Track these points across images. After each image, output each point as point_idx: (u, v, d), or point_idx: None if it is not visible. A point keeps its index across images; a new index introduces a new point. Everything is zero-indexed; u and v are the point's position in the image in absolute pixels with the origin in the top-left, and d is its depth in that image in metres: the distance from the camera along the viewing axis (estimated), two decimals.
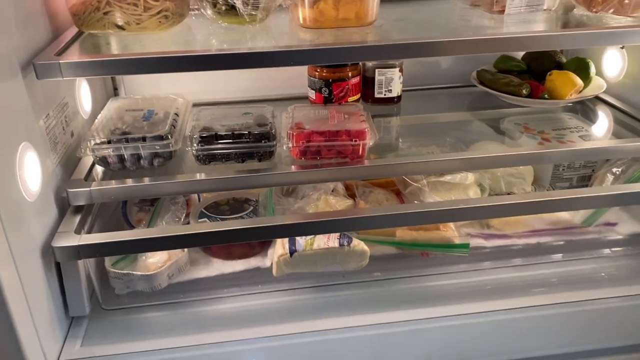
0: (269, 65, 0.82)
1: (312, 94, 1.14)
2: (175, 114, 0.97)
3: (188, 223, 0.98)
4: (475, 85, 1.20)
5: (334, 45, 0.82)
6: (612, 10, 0.92)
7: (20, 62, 0.76)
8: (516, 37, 0.84)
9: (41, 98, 0.82)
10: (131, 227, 1.01)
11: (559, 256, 1.02)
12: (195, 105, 1.09)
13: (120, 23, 0.87)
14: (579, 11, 0.98)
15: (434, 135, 1.13)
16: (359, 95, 1.15)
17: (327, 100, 1.12)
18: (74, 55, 0.81)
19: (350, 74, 1.11)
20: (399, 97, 1.16)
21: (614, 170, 1.07)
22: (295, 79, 1.16)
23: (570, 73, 1.10)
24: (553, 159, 1.00)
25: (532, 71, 1.18)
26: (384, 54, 0.86)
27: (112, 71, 0.79)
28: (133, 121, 0.95)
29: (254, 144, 0.91)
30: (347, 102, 1.12)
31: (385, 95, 1.15)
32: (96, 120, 0.95)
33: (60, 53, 0.80)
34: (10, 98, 0.73)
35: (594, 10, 0.93)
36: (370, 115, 1.02)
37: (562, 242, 1.04)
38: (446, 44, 0.82)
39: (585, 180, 1.12)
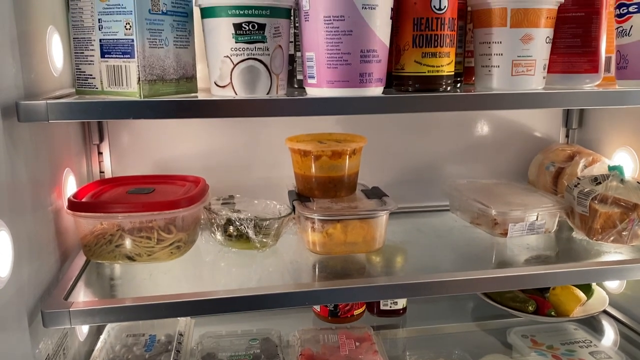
0: (272, 307, 0.81)
1: (316, 306, 1.12)
2: (179, 342, 0.93)
3: None
4: None
5: (341, 286, 0.82)
6: (612, 239, 0.96)
7: (28, 307, 0.73)
8: (529, 275, 0.85)
9: (44, 337, 0.78)
10: None
11: None
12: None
13: (131, 255, 0.87)
14: (579, 235, 1.02)
15: (441, 347, 1.10)
16: (364, 307, 1.14)
17: (333, 314, 1.10)
18: (82, 298, 0.79)
19: None
20: (404, 309, 1.15)
21: None
22: None
23: (573, 287, 1.11)
24: None
25: None
26: (392, 294, 0.87)
27: (124, 317, 0.77)
28: (134, 349, 0.90)
29: None
30: (354, 315, 1.10)
31: (391, 307, 1.14)
32: (95, 350, 0.91)
33: (69, 294, 0.78)
34: (11, 350, 0.69)
35: (593, 238, 0.97)
36: (376, 327, 0.99)
37: None
38: (457, 282, 0.83)
39: None
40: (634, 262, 0.89)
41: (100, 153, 1.09)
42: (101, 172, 1.10)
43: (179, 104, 0.70)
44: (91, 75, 0.76)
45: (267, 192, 1.08)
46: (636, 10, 0.85)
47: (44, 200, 0.83)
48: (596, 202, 0.96)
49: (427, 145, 1.22)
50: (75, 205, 0.85)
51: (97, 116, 0.69)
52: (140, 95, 0.73)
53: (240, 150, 1.15)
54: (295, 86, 0.92)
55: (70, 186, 0.95)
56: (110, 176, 1.10)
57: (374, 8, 0.77)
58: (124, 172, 1.10)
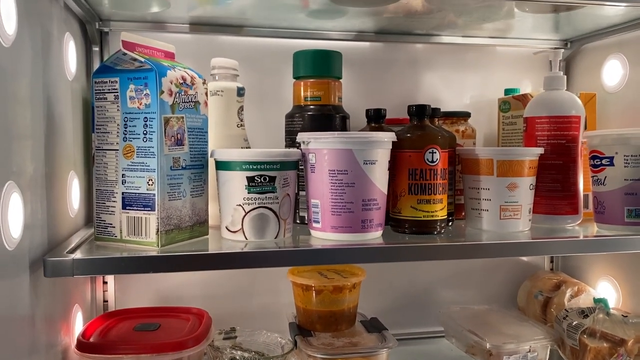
0: None
1: None
2: None
3: None
4: None
5: None
6: None
7: None
8: None
9: None
10: None
11: None
12: None
13: None
14: None
15: None
16: None
17: None
18: None
19: None
20: None
21: None
22: None
23: None
24: None
25: None
26: None
27: None
28: None
29: None
30: None
31: None
32: None
33: None
34: None
35: None
36: None
37: None
38: None
39: None
40: None
41: (105, 282, 1.12)
42: (105, 301, 1.12)
43: (195, 257, 0.75)
44: (111, 224, 0.81)
45: (268, 320, 1.10)
46: (608, 163, 0.94)
47: (54, 340, 0.84)
48: (585, 336, 1.00)
49: (419, 271, 1.28)
50: (84, 346, 0.87)
51: (119, 271, 0.73)
52: (157, 245, 0.78)
53: (241, 278, 1.19)
54: (298, 222, 0.98)
55: (78, 320, 0.96)
56: (114, 304, 1.12)
57: (374, 163, 0.85)
58: (128, 300, 1.12)
